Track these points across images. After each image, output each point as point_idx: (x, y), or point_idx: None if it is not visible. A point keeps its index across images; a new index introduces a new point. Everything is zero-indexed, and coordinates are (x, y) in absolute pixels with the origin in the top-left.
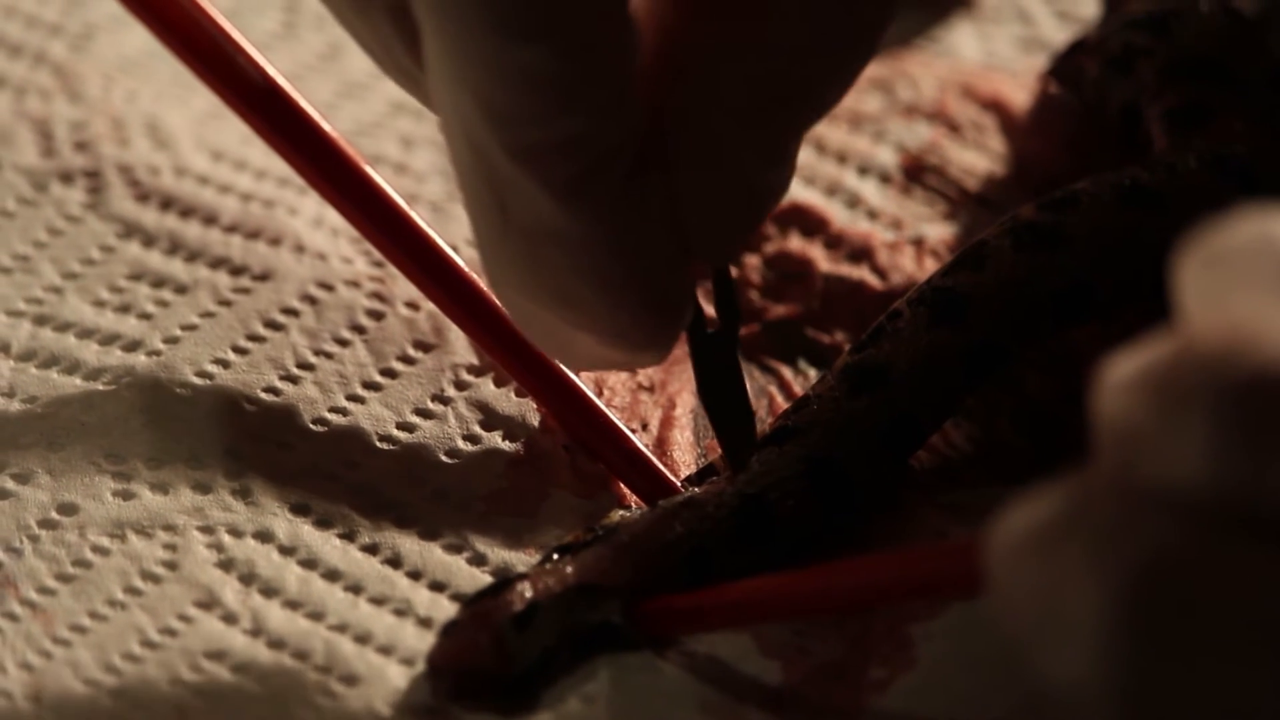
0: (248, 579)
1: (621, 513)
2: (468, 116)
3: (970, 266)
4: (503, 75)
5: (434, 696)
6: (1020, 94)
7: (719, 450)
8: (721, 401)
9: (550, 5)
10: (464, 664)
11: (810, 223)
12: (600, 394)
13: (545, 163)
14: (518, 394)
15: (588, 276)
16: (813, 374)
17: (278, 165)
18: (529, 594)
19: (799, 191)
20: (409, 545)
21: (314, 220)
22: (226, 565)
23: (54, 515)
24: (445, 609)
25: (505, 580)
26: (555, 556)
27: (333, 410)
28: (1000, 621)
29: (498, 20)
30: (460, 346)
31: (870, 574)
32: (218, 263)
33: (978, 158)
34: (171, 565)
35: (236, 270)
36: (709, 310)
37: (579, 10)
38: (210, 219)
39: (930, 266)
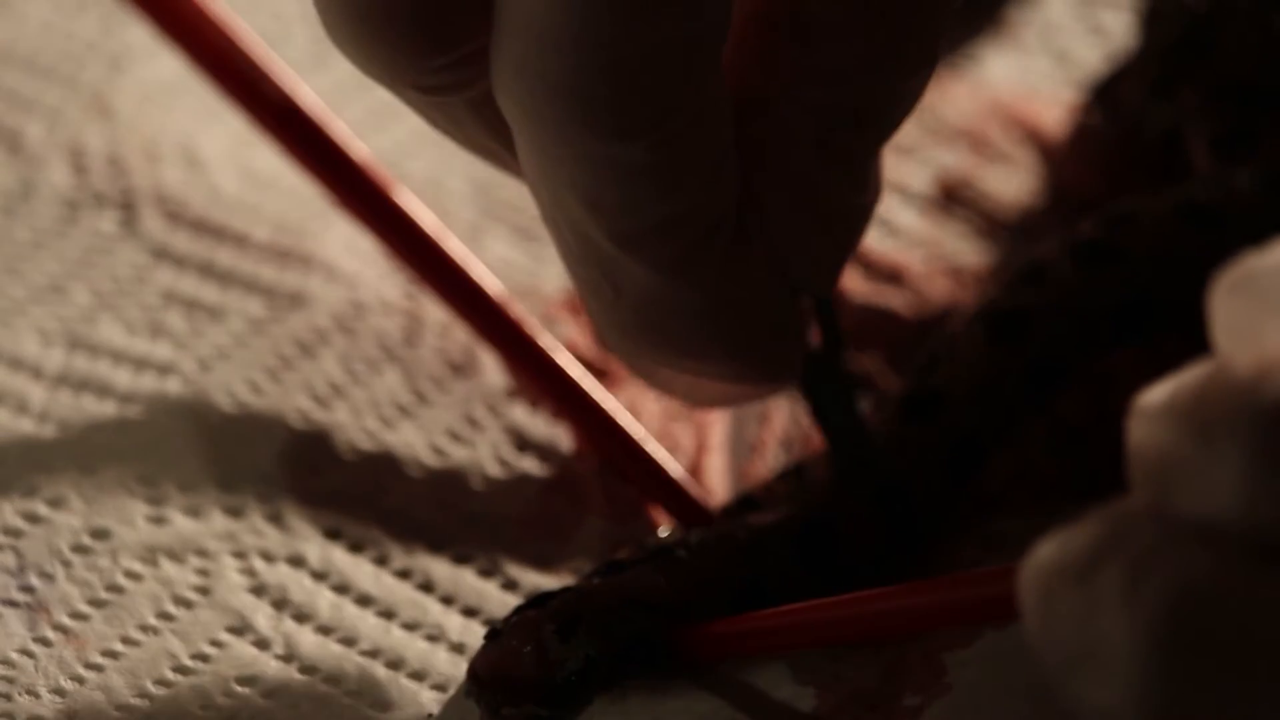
0: (280, 604)
1: (672, 531)
2: (568, 206)
3: (1029, 283)
4: (597, 172)
5: (477, 703)
6: (1055, 119)
7: (754, 478)
8: (832, 421)
9: (642, 106)
10: (506, 671)
11: None
12: (635, 417)
13: (648, 246)
14: (551, 419)
15: (702, 338)
16: None
17: (310, 190)
18: (575, 605)
19: None
20: (441, 570)
21: (347, 245)
22: (259, 590)
23: (86, 540)
24: (477, 634)
25: (552, 591)
26: (606, 571)
27: (365, 435)
28: (1035, 649)
29: (589, 122)
30: (493, 371)
31: (906, 601)
32: (250, 287)
33: (1013, 183)
34: (204, 590)
35: (269, 295)
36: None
37: (671, 106)
38: (243, 243)
39: (965, 292)
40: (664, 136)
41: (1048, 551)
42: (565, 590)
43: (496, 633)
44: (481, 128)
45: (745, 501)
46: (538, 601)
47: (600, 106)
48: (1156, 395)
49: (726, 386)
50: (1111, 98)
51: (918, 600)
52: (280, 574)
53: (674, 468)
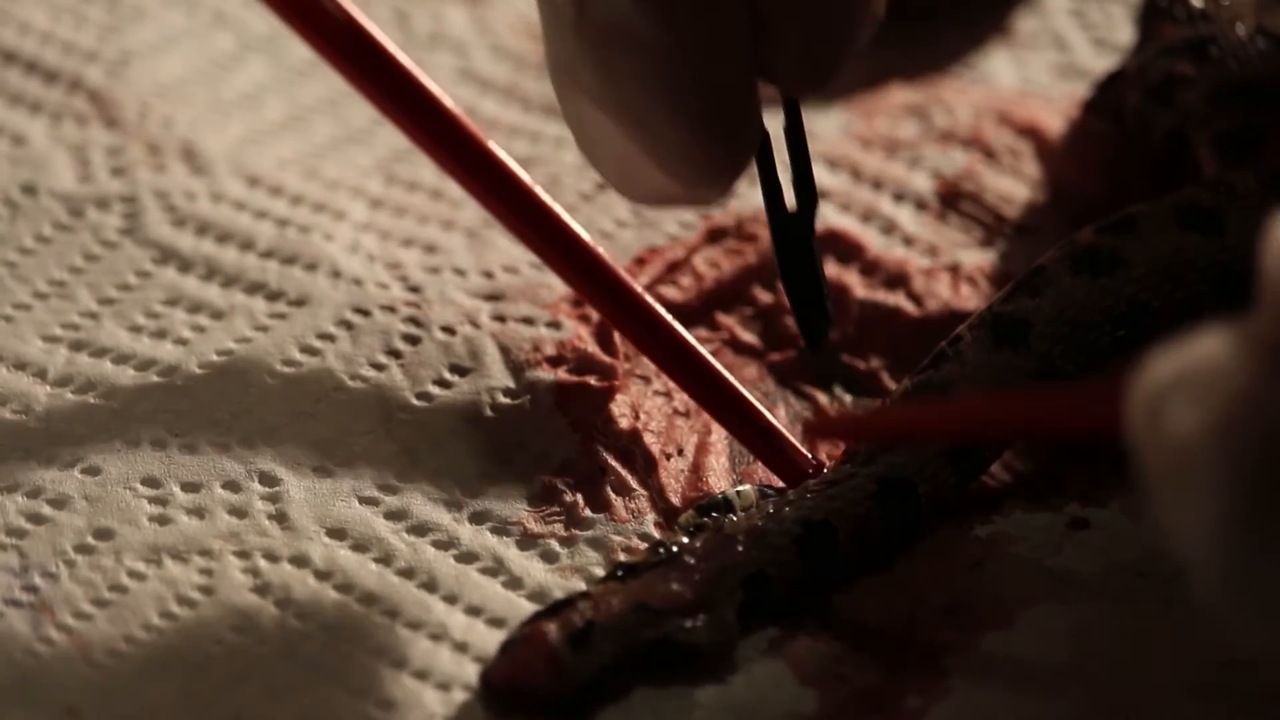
0: (284, 604)
1: (684, 535)
2: None
3: (1029, 291)
4: None
5: (489, 714)
6: (1056, 120)
7: (753, 478)
8: (797, 280)
9: None
10: (519, 682)
11: (846, 249)
12: (637, 418)
13: None
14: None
15: (657, 83)
16: (848, 400)
17: (314, 191)
18: (588, 613)
19: (834, 217)
20: (445, 569)
21: (350, 246)
22: (262, 590)
23: (90, 540)
24: (481, 633)
25: (566, 599)
26: (619, 574)
27: (368, 435)
28: (1137, 467)
29: None
30: (496, 370)
31: (1022, 408)
32: (254, 288)
33: (1014, 184)
34: (207, 590)
35: (273, 296)
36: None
37: None
38: (246, 244)
39: (966, 293)
40: None
41: (1159, 369)
42: (577, 597)
43: (510, 643)
44: None
45: (719, 505)
46: (550, 610)
47: None
48: None
49: (664, 180)
50: (1112, 98)
51: (1034, 408)
52: (284, 573)
53: (780, 426)
